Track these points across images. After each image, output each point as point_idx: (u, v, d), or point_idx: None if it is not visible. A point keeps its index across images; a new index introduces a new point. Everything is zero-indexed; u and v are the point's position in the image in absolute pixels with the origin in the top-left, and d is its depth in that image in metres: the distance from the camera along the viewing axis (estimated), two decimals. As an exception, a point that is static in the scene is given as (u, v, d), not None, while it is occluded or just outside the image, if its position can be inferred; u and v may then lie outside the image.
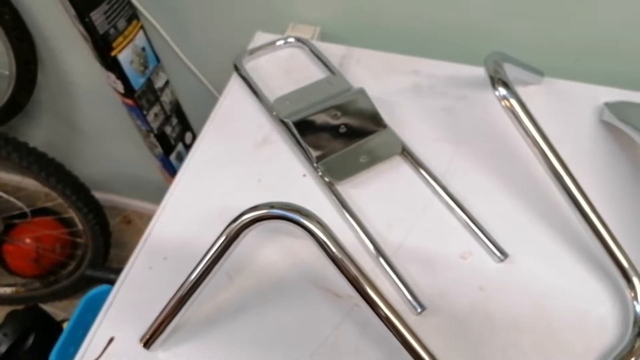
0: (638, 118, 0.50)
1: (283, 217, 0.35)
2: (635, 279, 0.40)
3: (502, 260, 0.43)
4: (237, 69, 0.58)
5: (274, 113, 0.53)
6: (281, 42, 0.62)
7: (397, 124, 0.53)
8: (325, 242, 0.35)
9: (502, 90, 0.42)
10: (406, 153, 0.50)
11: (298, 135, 0.50)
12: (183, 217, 0.46)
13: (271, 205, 0.35)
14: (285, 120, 0.51)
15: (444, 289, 0.41)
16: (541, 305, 0.41)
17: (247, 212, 0.35)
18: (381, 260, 0.42)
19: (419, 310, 0.40)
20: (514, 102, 0.42)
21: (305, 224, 0.35)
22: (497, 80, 0.43)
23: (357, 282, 0.34)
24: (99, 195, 1.25)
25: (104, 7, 0.70)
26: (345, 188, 0.48)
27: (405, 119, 0.54)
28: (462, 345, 0.39)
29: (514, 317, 0.40)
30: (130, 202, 1.46)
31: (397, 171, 0.49)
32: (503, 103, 0.42)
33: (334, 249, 0.35)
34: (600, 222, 0.40)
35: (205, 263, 0.36)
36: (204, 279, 0.36)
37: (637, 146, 0.48)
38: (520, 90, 0.55)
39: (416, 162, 0.49)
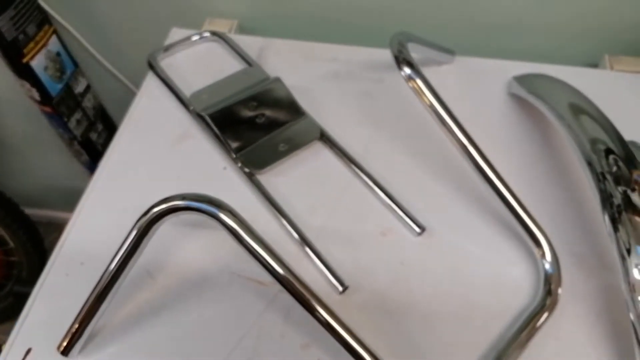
0: (542, 88, 0.53)
1: (194, 209, 0.35)
2: (542, 239, 0.42)
3: (420, 234, 0.44)
4: (151, 66, 0.57)
5: (191, 108, 0.52)
6: (196, 37, 0.61)
7: (316, 111, 0.53)
8: (237, 231, 0.34)
9: (407, 70, 0.43)
10: (325, 138, 0.50)
11: (216, 128, 0.49)
12: (100, 220, 0.45)
13: (182, 197, 0.35)
14: (202, 113, 0.50)
15: (366, 266, 0.42)
16: (459, 273, 0.42)
17: (157, 204, 0.35)
18: (304, 244, 0.43)
19: (340, 289, 0.40)
20: (419, 81, 0.43)
21: (217, 214, 0.34)
22: (401, 60, 0.43)
23: (272, 268, 0.35)
24: (33, 211, 1.20)
25: (10, 12, 0.67)
26: (266, 177, 0.48)
27: (325, 105, 0.54)
28: (385, 319, 0.39)
29: (434, 287, 0.41)
30: (67, 216, 1.39)
31: (317, 156, 0.50)
32: (409, 83, 0.43)
33: (247, 237, 0.34)
34: (506, 188, 0.42)
35: (119, 260, 0.35)
36: (119, 276, 0.35)
37: (542, 115, 0.50)
38: (433, 70, 0.57)
39: (335, 146, 0.49)
